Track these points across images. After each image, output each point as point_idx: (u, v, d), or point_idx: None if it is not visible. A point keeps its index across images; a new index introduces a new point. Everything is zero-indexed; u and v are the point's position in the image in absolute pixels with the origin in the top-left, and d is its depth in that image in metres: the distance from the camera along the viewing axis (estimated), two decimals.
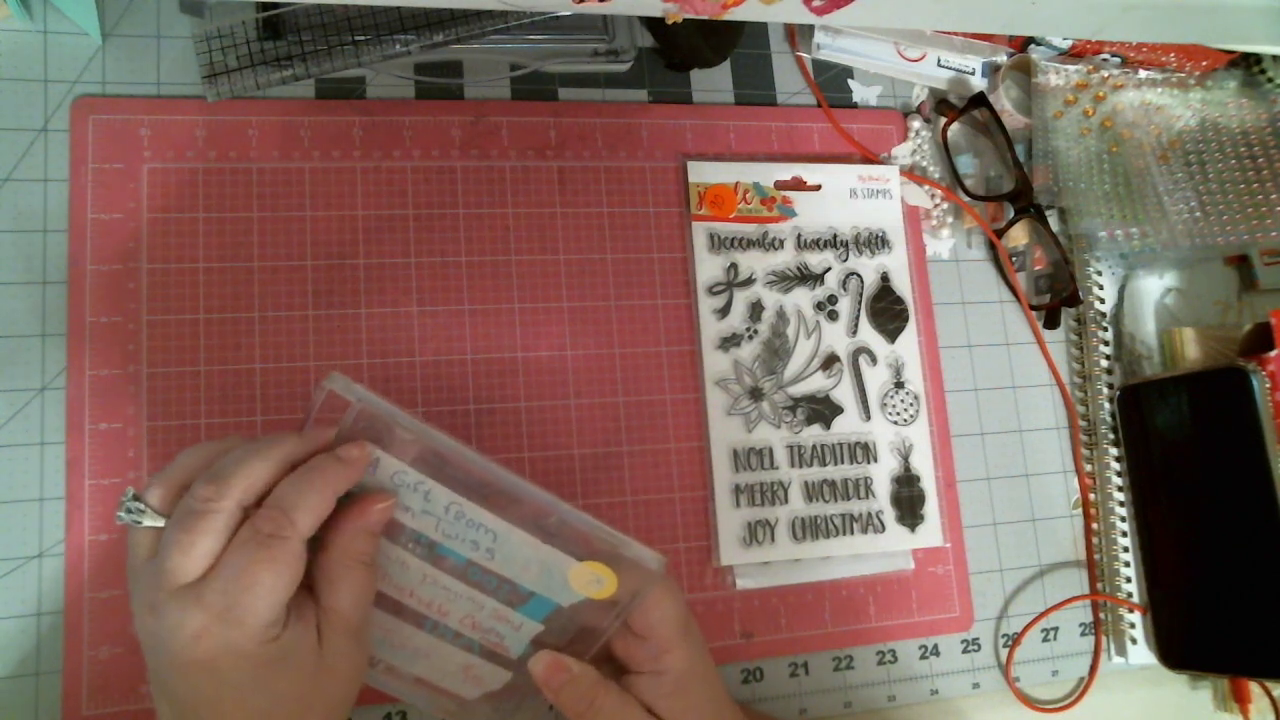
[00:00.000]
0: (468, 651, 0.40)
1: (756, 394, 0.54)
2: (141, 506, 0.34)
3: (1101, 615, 0.58)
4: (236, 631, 0.32)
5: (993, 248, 0.60)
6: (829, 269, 0.56)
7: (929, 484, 0.55)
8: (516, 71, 0.54)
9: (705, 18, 0.42)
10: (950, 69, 0.61)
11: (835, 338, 0.55)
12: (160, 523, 0.34)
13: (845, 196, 0.57)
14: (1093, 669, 0.57)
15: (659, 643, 0.40)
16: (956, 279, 0.60)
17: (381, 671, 0.41)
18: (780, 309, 0.55)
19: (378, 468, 0.36)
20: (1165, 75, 0.63)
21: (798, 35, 0.60)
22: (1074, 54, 0.62)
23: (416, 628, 0.39)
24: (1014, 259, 0.61)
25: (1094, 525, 0.59)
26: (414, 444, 0.36)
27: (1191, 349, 0.59)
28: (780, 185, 0.56)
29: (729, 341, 0.54)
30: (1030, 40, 0.61)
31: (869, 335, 0.56)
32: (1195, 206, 0.59)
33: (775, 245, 0.55)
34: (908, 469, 0.55)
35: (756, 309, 0.55)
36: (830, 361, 0.55)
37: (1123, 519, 0.58)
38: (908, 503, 0.54)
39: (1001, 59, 0.62)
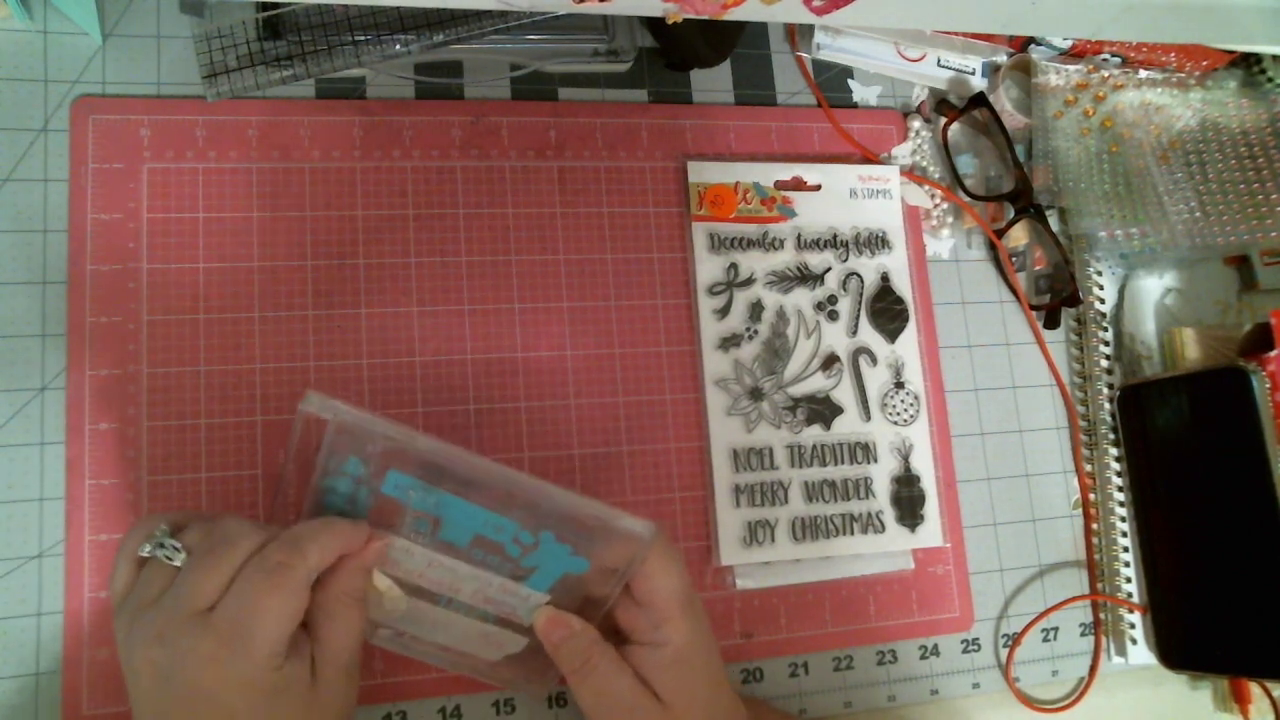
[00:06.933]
0: (483, 621, 0.42)
1: (756, 394, 0.54)
2: (179, 546, 0.35)
3: (1101, 615, 0.58)
4: (243, 658, 0.33)
5: (993, 248, 0.60)
6: (829, 269, 0.56)
7: (929, 484, 0.55)
8: (516, 71, 0.54)
9: (705, 18, 0.42)
10: (950, 69, 0.61)
11: (835, 338, 0.55)
12: (181, 562, 0.35)
13: (845, 196, 0.57)
14: (1093, 669, 0.57)
15: (658, 612, 0.41)
16: (956, 279, 0.60)
17: (408, 640, 0.43)
18: (780, 309, 0.55)
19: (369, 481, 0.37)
20: (1165, 75, 0.63)
21: (798, 35, 0.60)
22: (1074, 54, 0.62)
23: (432, 604, 0.41)
24: (1014, 259, 0.61)
25: (1094, 525, 0.59)
26: (400, 451, 0.37)
27: (1191, 349, 0.59)
28: (780, 185, 0.56)
29: (729, 341, 0.54)
30: (1030, 40, 0.61)
31: (869, 335, 0.56)
32: (1195, 206, 0.59)
33: (775, 245, 0.55)
34: (908, 469, 0.55)
35: (756, 309, 0.55)
36: (830, 362, 0.55)
37: (1123, 519, 0.58)
38: (908, 503, 0.54)
39: (1001, 59, 0.62)
